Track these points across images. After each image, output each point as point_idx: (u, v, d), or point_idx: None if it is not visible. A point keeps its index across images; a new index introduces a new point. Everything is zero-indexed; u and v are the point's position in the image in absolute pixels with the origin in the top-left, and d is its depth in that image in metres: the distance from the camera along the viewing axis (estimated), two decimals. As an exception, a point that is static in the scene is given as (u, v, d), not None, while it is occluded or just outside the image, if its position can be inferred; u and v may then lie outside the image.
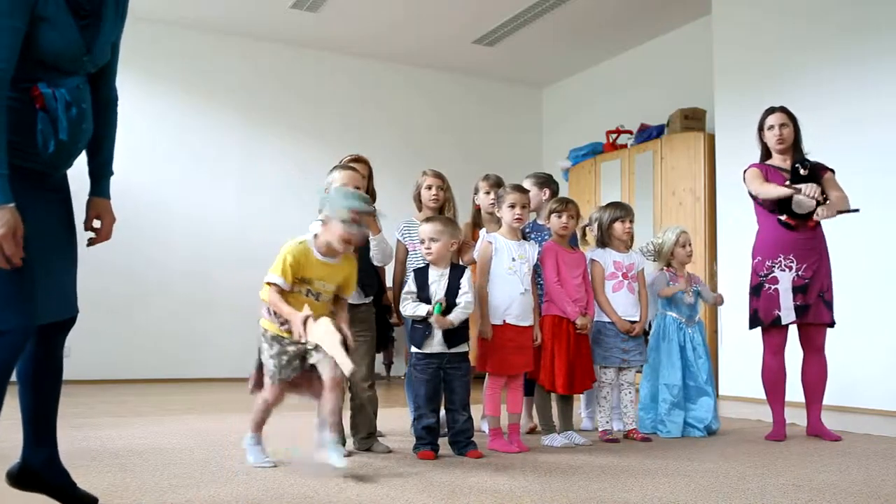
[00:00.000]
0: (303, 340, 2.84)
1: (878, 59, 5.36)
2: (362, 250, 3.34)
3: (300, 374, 2.98)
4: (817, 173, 3.96)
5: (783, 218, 3.98)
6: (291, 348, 2.93)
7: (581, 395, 4.34)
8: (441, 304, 3.30)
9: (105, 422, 4.08)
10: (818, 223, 3.98)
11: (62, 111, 2.07)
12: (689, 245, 4.35)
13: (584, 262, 3.94)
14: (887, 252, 5.16)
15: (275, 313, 2.94)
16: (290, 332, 2.90)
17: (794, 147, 4.09)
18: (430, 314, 3.30)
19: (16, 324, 2.02)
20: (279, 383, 2.97)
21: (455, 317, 3.32)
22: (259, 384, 3.06)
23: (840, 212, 3.91)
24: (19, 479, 2.23)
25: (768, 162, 4.14)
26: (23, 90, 2.03)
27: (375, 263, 3.55)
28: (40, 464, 2.22)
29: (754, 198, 4.12)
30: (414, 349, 3.41)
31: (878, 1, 5.41)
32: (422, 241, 3.46)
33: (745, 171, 4.15)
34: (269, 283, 2.91)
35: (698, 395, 4.14)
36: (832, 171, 4.06)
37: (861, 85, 5.43)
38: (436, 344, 3.35)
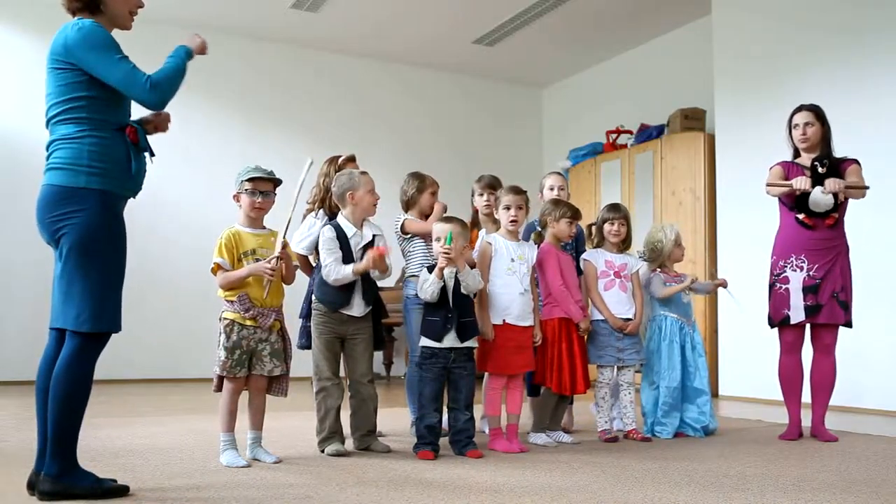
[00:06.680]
0: (272, 268, 3.06)
1: (877, 59, 5.36)
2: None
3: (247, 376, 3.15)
4: (838, 168, 3.94)
5: (801, 217, 3.97)
6: (245, 343, 3.08)
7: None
8: (451, 233, 3.33)
9: (105, 422, 4.08)
10: (836, 222, 3.95)
11: (145, 142, 2.51)
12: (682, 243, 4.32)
13: (575, 264, 3.93)
14: (886, 253, 5.16)
15: (238, 301, 3.08)
16: (254, 319, 3.08)
17: (824, 145, 4.03)
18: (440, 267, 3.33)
19: (116, 328, 2.46)
20: (231, 377, 3.09)
21: (471, 277, 3.39)
22: (221, 384, 3.16)
23: (849, 188, 3.84)
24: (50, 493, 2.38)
25: (797, 160, 4.10)
26: (114, 128, 2.41)
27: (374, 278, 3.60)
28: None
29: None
30: (422, 345, 3.40)
31: (877, 2, 5.42)
32: (436, 240, 3.46)
33: (770, 169, 4.14)
34: (214, 267, 3.10)
35: (696, 395, 4.10)
36: (857, 162, 3.99)
37: (861, 85, 5.44)
38: (447, 338, 3.35)
